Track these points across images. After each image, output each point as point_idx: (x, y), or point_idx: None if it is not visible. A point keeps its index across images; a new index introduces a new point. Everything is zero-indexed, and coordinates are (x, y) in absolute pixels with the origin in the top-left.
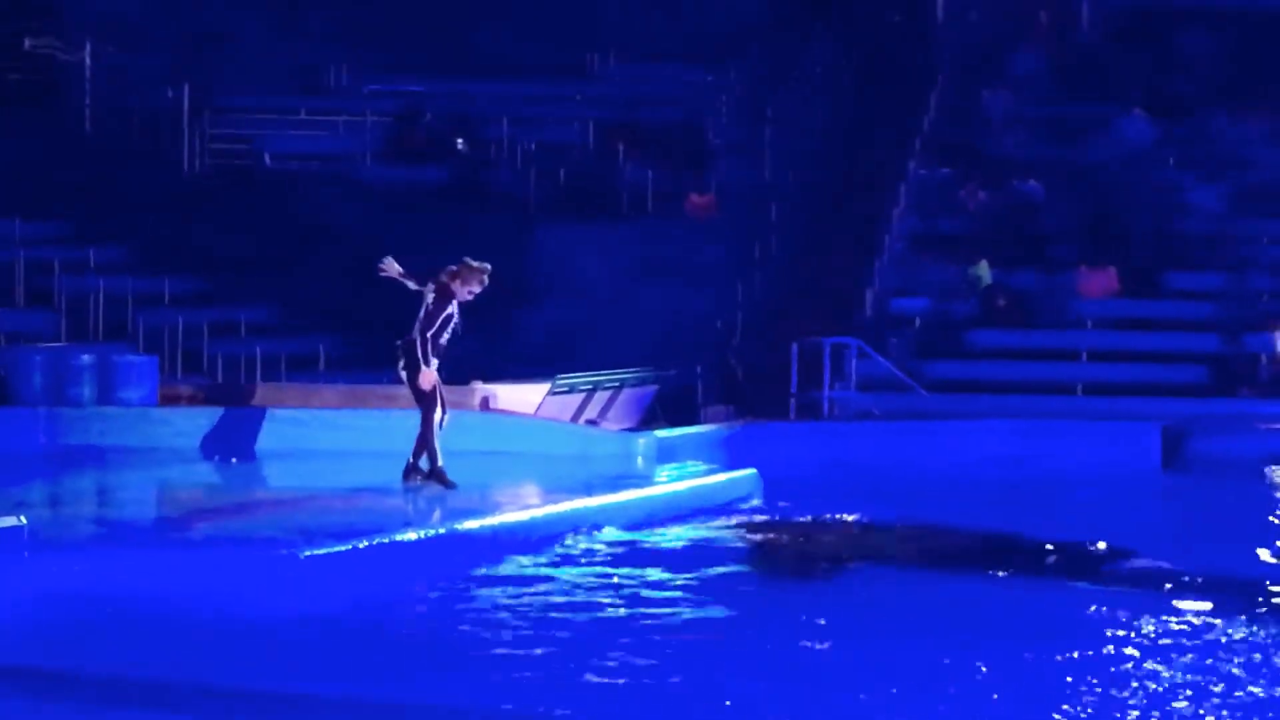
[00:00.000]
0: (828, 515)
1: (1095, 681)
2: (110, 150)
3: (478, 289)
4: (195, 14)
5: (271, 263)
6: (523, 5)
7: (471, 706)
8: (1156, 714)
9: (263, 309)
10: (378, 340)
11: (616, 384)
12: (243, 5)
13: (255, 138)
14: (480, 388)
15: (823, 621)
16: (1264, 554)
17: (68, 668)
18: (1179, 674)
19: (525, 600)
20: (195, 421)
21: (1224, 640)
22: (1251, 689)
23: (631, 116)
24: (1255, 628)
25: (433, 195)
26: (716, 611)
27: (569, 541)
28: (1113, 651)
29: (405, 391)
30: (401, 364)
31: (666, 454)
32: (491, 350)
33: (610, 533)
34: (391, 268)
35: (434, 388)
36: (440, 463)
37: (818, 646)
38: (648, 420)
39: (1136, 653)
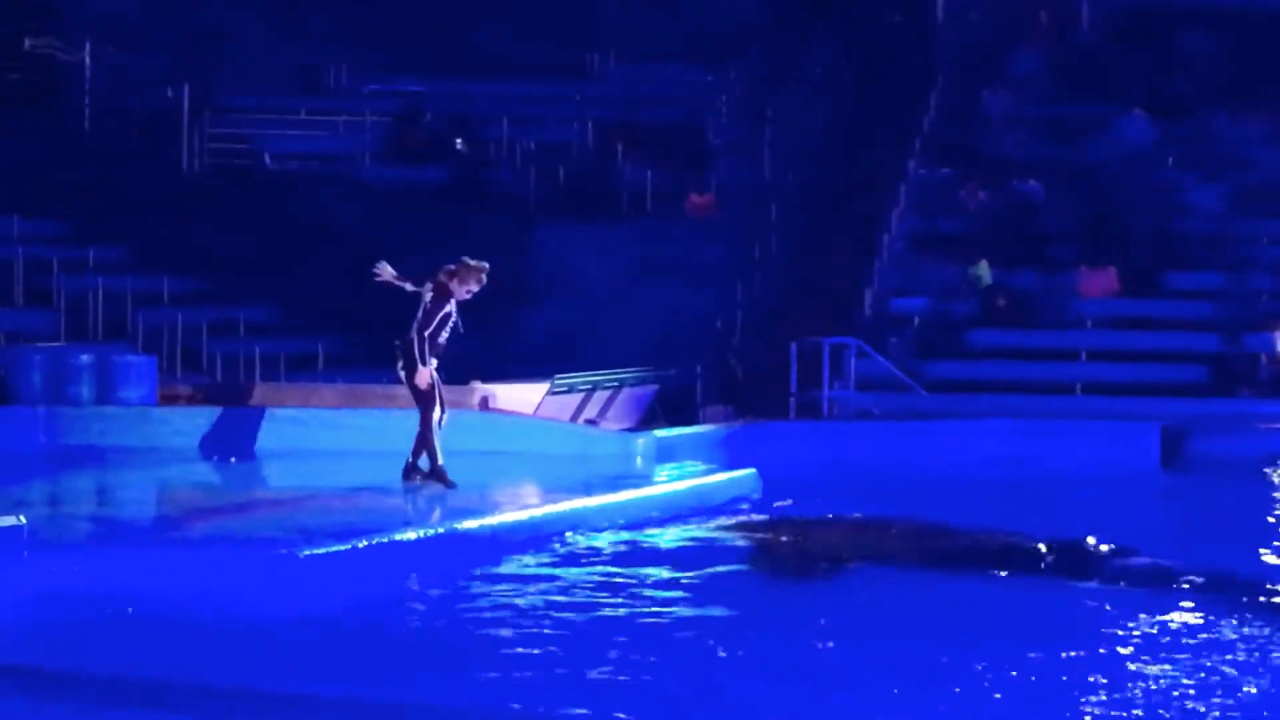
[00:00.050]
0: (827, 515)
1: (1095, 681)
2: (110, 150)
3: (476, 288)
4: (195, 14)
5: (271, 262)
6: (522, 5)
7: (471, 706)
8: (1156, 714)
9: (262, 309)
10: (377, 340)
11: (616, 384)
12: (242, 5)
13: (255, 138)
14: (479, 387)
15: (823, 621)
16: (1264, 554)
17: (67, 667)
18: (1179, 673)
19: (525, 600)
20: (195, 421)
21: (1224, 640)
22: (1252, 688)
23: (631, 116)
24: (1255, 627)
25: (432, 195)
26: (716, 611)
27: (568, 541)
28: (1113, 651)
29: (405, 391)
30: (400, 364)
31: (666, 454)
32: (491, 350)
33: (610, 532)
34: (385, 271)
35: (431, 387)
36: (440, 462)
37: (818, 646)
38: (647, 420)
39: (1136, 652)
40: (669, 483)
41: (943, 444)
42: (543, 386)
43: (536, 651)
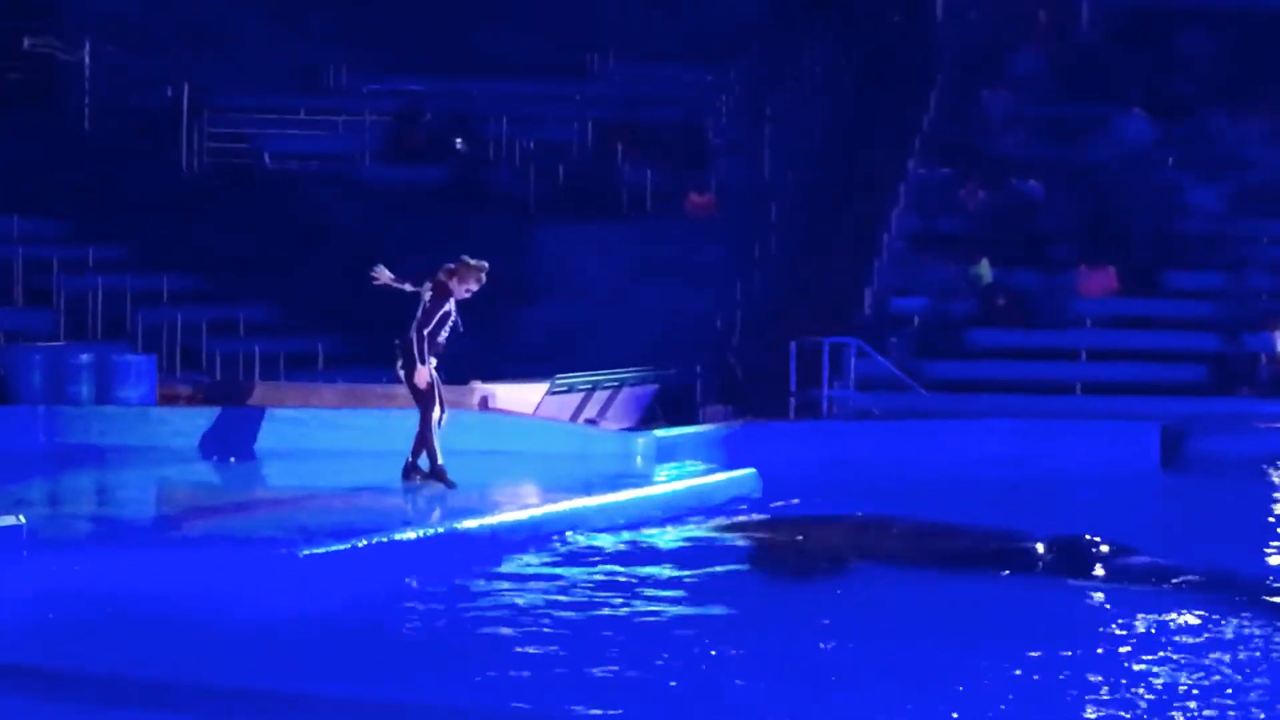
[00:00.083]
0: (827, 514)
1: (1095, 681)
2: (109, 149)
3: (475, 287)
4: (194, 14)
5: (271, 262)
6: (522, 5)
7: (471, 706)
8: (1156, 713)
9: (262, 308)
10: (377, 339)
11: (615, 383)
12: (242, 5)
13: (254, 137)
14: (479, 387)
15: (823, 621)
16: (1263, 553)
17: (67, 667)
18: (1179, 673)
19: (525, 599)
20: (194, 421)
21: (1224, 639)
22: (1251, 688)
23: (631, 116)
24: (1255, 627)
25: (432, 195)
26: (716, 611)
27: (568, 541)
28: (1112, 651)
29: (404, 391)
30: (399, 362)
31: (666, 453)
32: (491, 350)
33: (609, 532)
34: (383, 275)
35: (430, 386)
36: (440, 461)
37: (818, 646)
38: (647, 420)
39: (1136, 652)
40: (669, 482)
41: (942, 444)
42: (542, 386)
43: (536, 651)
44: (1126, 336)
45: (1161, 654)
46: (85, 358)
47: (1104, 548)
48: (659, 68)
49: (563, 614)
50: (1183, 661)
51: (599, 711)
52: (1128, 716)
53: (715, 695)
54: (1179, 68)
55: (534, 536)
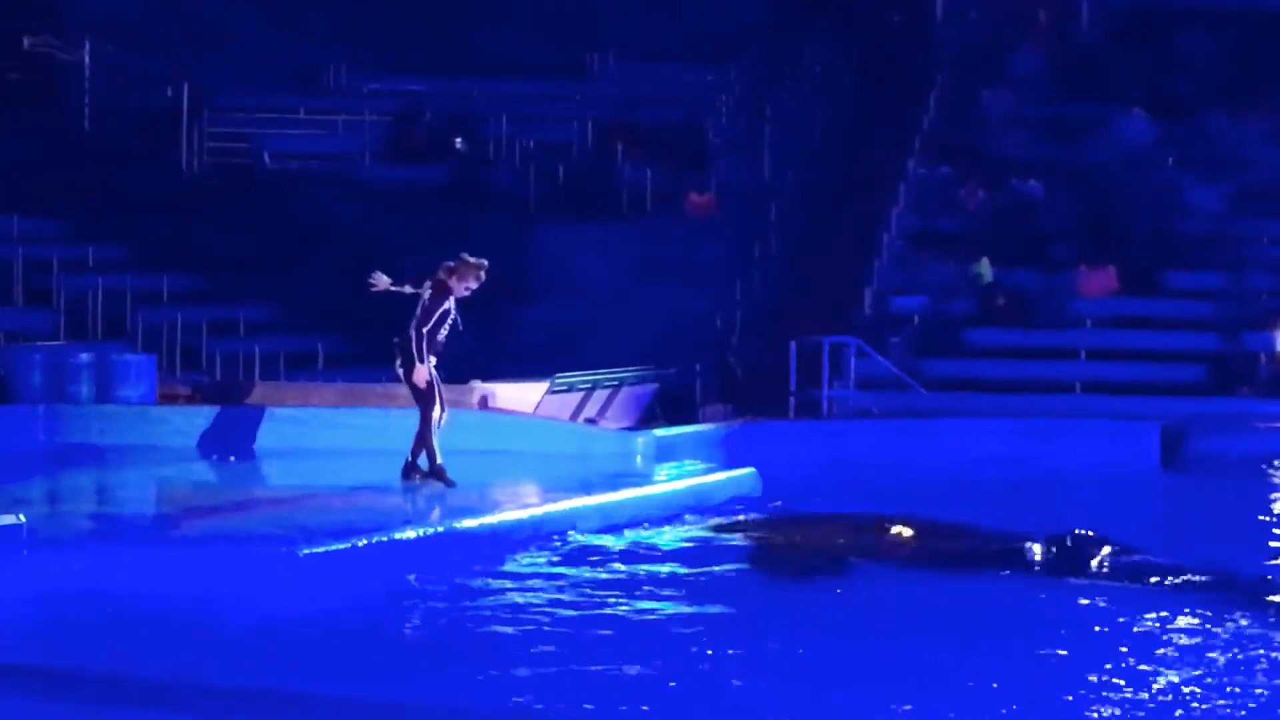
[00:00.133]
0: (827, 513)
1: (1095, 681)
2: (109, 149)
3: (474, 285)
4: (194, 13)
5: (270, 262)
6: (522, 4)
7: (471, 706)
8: (1157, 713)
9: (262, 308)
10: (377, 339)
11: (615, 383)
12: (242, 5)
13: (254, 137)
14: (479, 386)
15: (823, 621)
16: (1263, 553)
17: (67, 666)
18: (1179, 673)
19: (525, 599)
20: (194, 420)
21: (1225, 639)
22: (1251, 687)
23: (631, 116)
24: (1256, 627)
25: (432, 195)
26: (716, 611)
27: (568, 540)
28: (1113, 651)
29: (404, 390)
30: (398, 361)
31: (665, 453)
32: (491, 350)
33: (609, 531)
34: (381, 282)
35: (430, 384)
36: (439, 461)
37: (818, 646)
38: (647, 419)
39: (1136, 652)
40: (668, 482)
41: (942, 443)
42: (542, 385)
43: (536, 651)
44: (1126, 336)
45: (1161, 654)
46: (85, 357)
47: (1106, 549)
48: (659, 68)
49: (563, 613)
50: (1182, 661)
51: (599, 711)
52: (1128, 716)
53: (715, 695)
54: (1179, 68)
55: (534, 536)
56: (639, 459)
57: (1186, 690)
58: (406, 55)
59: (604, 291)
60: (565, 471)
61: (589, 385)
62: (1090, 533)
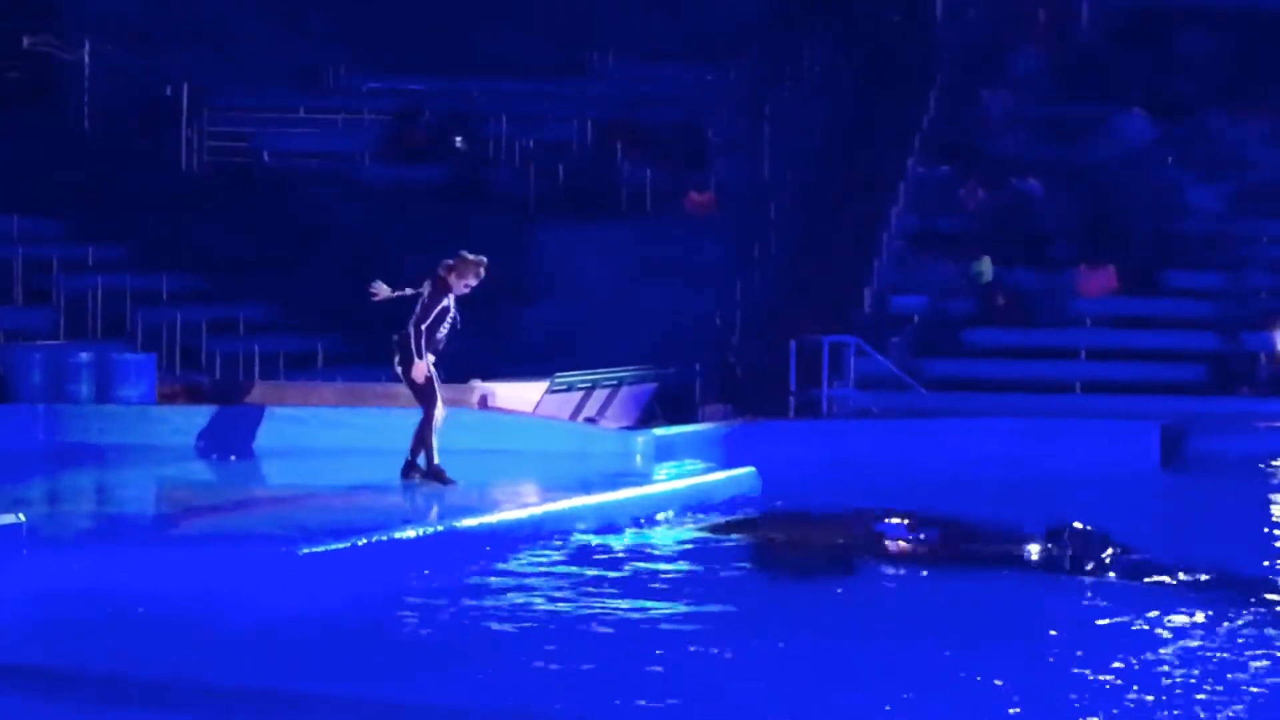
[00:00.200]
0: (827, 511)
1: (1095, 680)
2: (109, 148)
3: (474, 282)
4: (194, 13)
5: (270, 261)
6: (522, 4)
7: (471, 706)
8: (1157, 713)
9: (261, 307)
10: (377, 338)
11: (615, 382)
12: (242, 5)
13: (254, 136)
14: (479, 386)
15: (823, 621)
16: (1263, 553)
17: (67, 666)
18: (1179, 672)
19: (524, 598)
20: (194, 419)
21: (1224, 638)
22: (1251, 687)
23: (631, 115)
24: (1256, 626)
25: (432, 194)
26: (716, 611)
27: (568, 539)
28: (1113, 650)
29: (404, 390)
30: (397, 359)
31: (665, 452)
32: (491, 349)
33: (609, 531)
34: (382, 290)
35: (429, 380)
36: (436, 460)
37: (818, 646)
38: (646, 418)
39: (1136, 651)
40: (668, 481)
41: (942, 443)
42: (542, 385)
43: (536, 651)
44: (1126, 336)
45: (1161, 653)
46: (85, 356)
47: (1101, 542)
48: (659, 67)
49: (562, 613)
50: (1182, 661)
51: (599, 711)
52: (1128, 716)
53: (715, 695)
54: (1179, 68)
55: (534, 535)
56: (639, 458)
57: (1186, 690)
58: (406, 55)
59: (604, 291)
60: (565, 471)
61: (589, 385)
62: (1088, 527)
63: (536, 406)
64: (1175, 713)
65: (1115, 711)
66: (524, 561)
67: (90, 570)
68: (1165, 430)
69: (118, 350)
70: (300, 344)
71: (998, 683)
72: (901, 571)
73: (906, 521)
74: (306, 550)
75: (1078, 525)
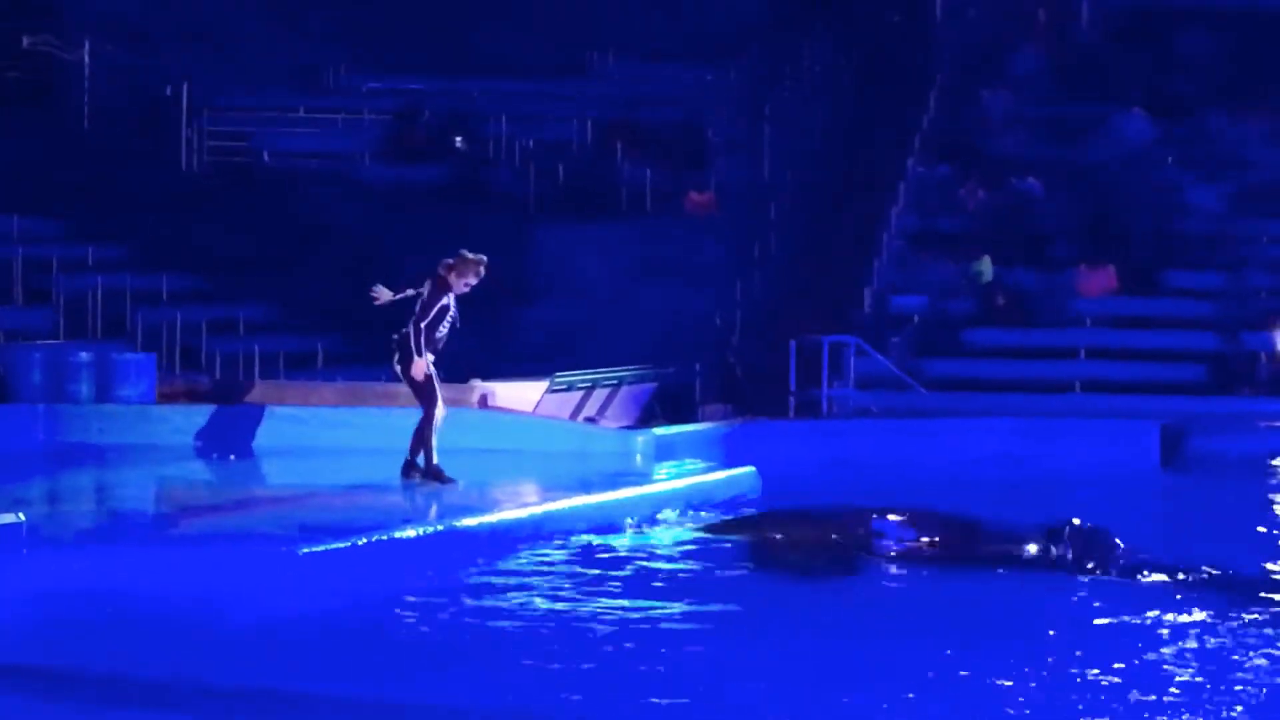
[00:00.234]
0: (826, 510)
1: (1095, 680)
2: (109, 148)
3: (474, 281)
4: (194, 13)
5: (270, 261)
6: (522, 3)
7: (471, 706)
8: (1157, 712)
9: (261, 307)
10: (377, 338)
11: (615, 382)
12: (242, 4)
13: (254, 136)
14: (479, 385)
15: (823, 621)
16: (1263, 552)
17: (66, 666)
18: (1178, 672)
19: (524, 598)
20: (194, 419)
21: (1224, 638)
22: (1252, 686)
23: (631, 115)
24: (1257, 626)
25: (432, 194)
26: (715, 610)
27: (567, 539)
28: (1112, 650)
29: (404, 389)
30: (396, 358)
31: (665, 452)
32: (491, 350)
33: (608, 531)
34: (383, 295)
35: (429, 378)
36: (435, 460)
37: (818, 646)
38: (646, 418)
39: (1136, 651)
40: (668, 481)
41: (942, 443)
42: (542, 384)
43: (536, 651)
44: (1126, 336)
45: (1161, 653)
46: (85, 356)
47: (1101, 539)
48: (659, 67)
49: (562, 613)
50: (1182, 660)
51: (599, 711)
52: (1128, 716)
53: (715, 695)
54: (1179, 68)
55: (533, 535)
56: (639, 458)
57: (1186, 690)
58: (406, 54)
59: (604, 291)
60: (565, 470)
61: (589, 384)
62: (1088, 524)
63: (536, 406)
64: (1175, 712)
65: (1115, 712)
66: (524, 561)
67: (90, 570)
68: (1165, 430)
69: (118, 350)
70: (300, 344)
71: (998, 682)
72: (901, 571)
73: (906, 520)
74: (306, 550)
75: (1077, 523)
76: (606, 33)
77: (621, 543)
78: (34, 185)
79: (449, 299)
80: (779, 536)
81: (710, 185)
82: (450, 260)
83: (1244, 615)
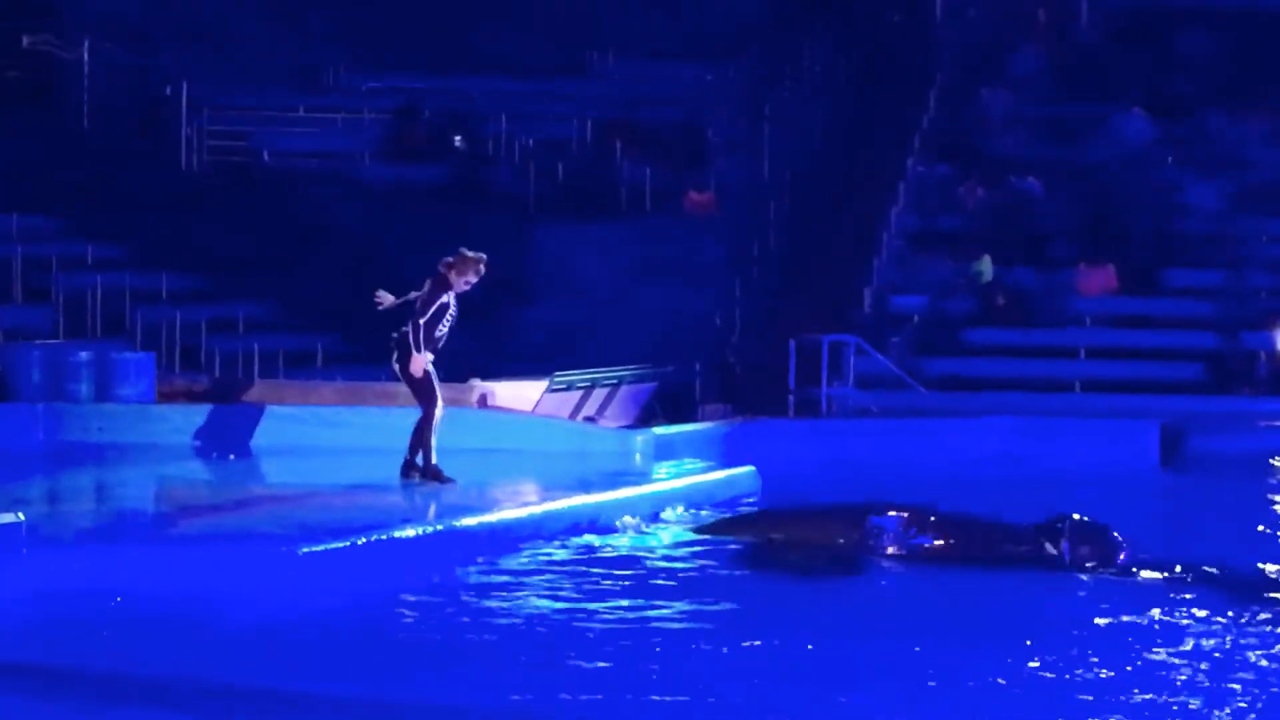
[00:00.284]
0: (826, 507)
1: (1095, 680)
2: (108, 147)
3: (474, 279)
4: (194, 13)
5: (270, 260)
6: (522, 3)
7: (471, 706)
8: (1157, 711)
9: (261, 306)
10: (376, 338)
11: (614, 381)
12: (241, 4)
13: (253, 135)
14: (478, 385)
15: (823, 621)
16: (1263, 552)
17: (66, 665)
18: (1178, 671)
19: (524, 598)
20: (193, 418)
21: (1224, 638)
22: (1252, 686)
23: (631, 115)
24: (1256, 625)
25: (431, 193)
26: (715, 610)
27: (567, 539)
28: (1113, 649)
29: (403, 389)
30: (395, 356)
31: (665, 451)
32: (491, 349)
33: (608, 530)
34: (386, 299)
35: (428, 376)
36: (434, 460)
37: (818, 646)
38: (646, 417)
39: (1136, 650)
40: (667, 480)
41: (942, 442)
42: (541, 384)
43: (536, 650)
44: (1126, 335)
45: (1161, 652)
46: (84, 355)
47: (1101, 535)
48: (659, 67)
49: (562, 612)
50: (1182, 659)
51: (599, 711)
52: (1128, 715)
53: (715, 695)
54: (1179, 68)
55: (533, 534)
56: (638, 457)
57: (1186, 689)
58: (406, 54)
59: (604, 291)
60: (564, 470)
61: (588, 384)
62: (1087, 518)
63: (536, 405)
64: (1175, 712)
65: (1115, 711)
66: (524, 561)
67: (90, 570)
68: (1164, 429)
69: (117, 349)
70: (300, 343)
71: (998, 683)
72: (901, 570)
73: (906, 518)
74: (306, 549)
75: (1076, 517)
76: (606, 33)
77: (621, 542)
78: (34, 184)
79: (449, 297)
80: (778, 536)
81: (710, 185)
82: (450, 259)
83: (1244, 615)
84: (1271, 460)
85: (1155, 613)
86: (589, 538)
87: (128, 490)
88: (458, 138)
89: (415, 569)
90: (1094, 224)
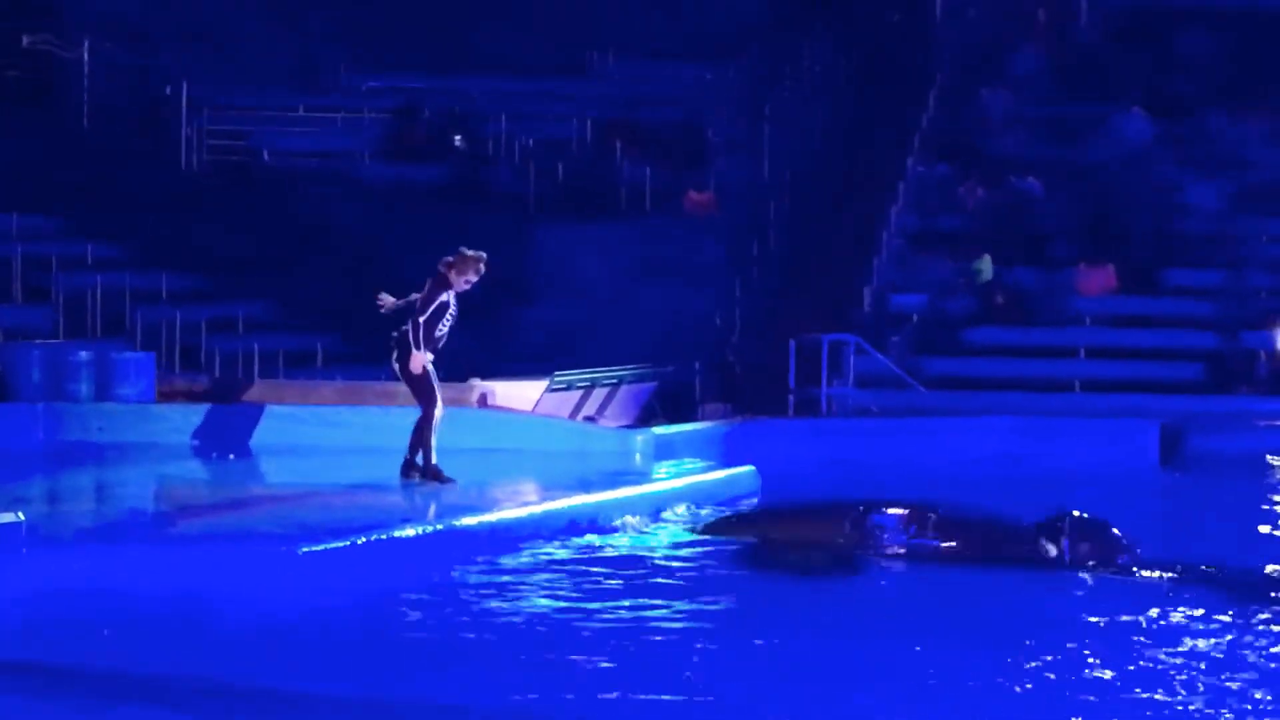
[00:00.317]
0: (826, 508)
1: (1095, 680)
2: (108, 147)
3: (474, 278)
4: (194, 12)
5: (270, 260)
6: (522, 3)
7: (471, 706)
8: (1157, 711)
9: (261, 305)
10: (376, 338)
11: (614, 381)
12: (241, 3)
13: (253, 135)
14: (478, 384)
15: (823, 621)
16: (1262, 551)
17: (66, 665)
18: (1178, 671)
19: (524, 598)
20: (193, 418)
21: (1223, 637)
22: (1251, 685)
23: (631, 114)
24: (1256, 624)
25: (431, 193)
26: (715, 610)
27: (567, 538)
28: (1113, 649)
29: (403, 388)
30: (394, 355)
31: (665, 451)
32: (490, 349)
33: (608, 530)
34: (388, 302)
35: (427, 374)
36: (434, 459)
37: (818, 646)
38: (646, 417)
39: (1136, 650)
40: (667, 480)
41: (941, 442)
42: (541, 383)
43: (536, 650)
44: (1125, 335)
45: (1161, 652)
46: (84, 355)
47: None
48: (659, 67)
49: (562, 612)
50: (1182, 659)
51: (599, 711)
52: (1128, 715)
53: (716, 695)
54: (1179, 68)
55: (533, 534)
56: (638, 457)
57: (1186, 689)
58: (406, 53)
59: (604, 291)
60: (564, 470)
61: (588, 383)
62: (1086, 515)
63: (536, 405)
64: (1175, 712)
65: (1116, 711)
66: (523, 560)
67: (90, 569)
68: (1164, 429)
69: (117, 349)
70: (300, 343)
71: (998, 683)
72: (901, 569)
73: (905, 516)
74: (306, 549)
75: (1077, 514)
76: (606, 32)
77: (621, 542)
78: (34, 184)
79: (449, 296)
80: (778, 535)
81: (710, 185)
82: (450, 258)
83: (1244, 614)
84: (1271, 460)
85: (1154, 612)
86: (589, 537)
87: (128, 490)
88: (458, 138)
89: (415, 569)
90: (1094, 224)
